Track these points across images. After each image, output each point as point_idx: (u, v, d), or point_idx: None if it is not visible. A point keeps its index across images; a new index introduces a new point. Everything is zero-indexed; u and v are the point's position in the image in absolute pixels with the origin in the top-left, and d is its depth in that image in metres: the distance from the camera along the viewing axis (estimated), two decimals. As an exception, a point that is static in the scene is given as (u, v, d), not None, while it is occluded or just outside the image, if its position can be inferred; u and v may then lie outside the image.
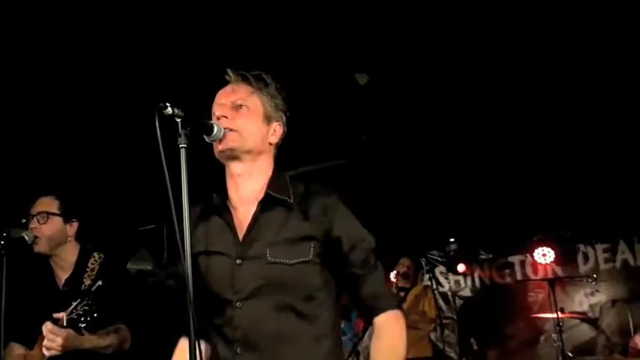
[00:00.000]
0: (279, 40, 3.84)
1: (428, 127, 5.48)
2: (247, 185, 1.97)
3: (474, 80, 4.77)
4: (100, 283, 2.72)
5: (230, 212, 1.97)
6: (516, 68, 4.63)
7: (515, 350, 7.15)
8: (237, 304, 1.88)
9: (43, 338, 2.86)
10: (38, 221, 3.05)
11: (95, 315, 2.65)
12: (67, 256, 3.12)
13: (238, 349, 1.87)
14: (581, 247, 7.20)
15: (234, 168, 1.97)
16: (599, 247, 7.12)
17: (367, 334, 6.95)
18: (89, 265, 3.09)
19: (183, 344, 2.08)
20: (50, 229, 3.06)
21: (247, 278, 1.88)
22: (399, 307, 1.98)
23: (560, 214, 6.70)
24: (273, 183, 1.97)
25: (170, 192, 1.63)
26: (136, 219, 5.90)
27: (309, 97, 4.24)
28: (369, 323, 1.95)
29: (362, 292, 1.93)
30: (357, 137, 5.32)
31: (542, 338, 6.91)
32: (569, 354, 5.65)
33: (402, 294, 6.25)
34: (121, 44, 3.79)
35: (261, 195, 1.94)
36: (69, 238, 3.13)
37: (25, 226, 3.08)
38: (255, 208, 1.93)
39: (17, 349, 3.10)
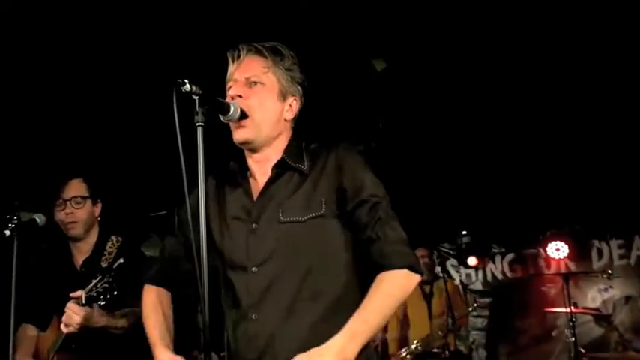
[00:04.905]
0: (296, 25, 3.79)
1: (444, 117, 5.43)
2: (265, 166, 1.95)
3: (490, 70, 4.73)
4: (121, 260, 2.69)
5: (247, 179, 1.97)
6: (534, 59, 4.57)
7: (527, 345, 7.09)
8: (253, 269, 1.85)
9: (58, 320, 2.86)
10: (73, 206, 3.07)
11: (115, 293, 2.63)
12: (89, 239, 3.14)
13: (253, 315, 1.84)
14: (595, 242, 7.12)
15: (253, 157, 1.97)
16: (614, 242, 7.04)
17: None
18: (107, 248, 3.10)
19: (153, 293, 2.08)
20: (85, 212, 3.09)
21: (261, 242, 1.85)
22: (412, 267, 1.83)
23: (574, 208, 6.63)
24: (289, 151, 1.94)
25: (184, 167, 1.60)
26: (147, 205, 5.88)
27: (326, 83, 4.20)
28: None
29: (371, 260, 1.84)
30: (374, 124, 5.28)
31: (554, 333, 6.84)
32: (582, 350, 5.58)
33: (428, 288, 6.05)
34: (132, 27, 3.77)
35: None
36: (97, 220, 3.16)
37: (45, 210, 3.06)
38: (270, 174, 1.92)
39: (30, 331, 3.12)
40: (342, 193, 1.86)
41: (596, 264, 7.06)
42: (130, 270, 2.75)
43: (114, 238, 3.16)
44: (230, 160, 2.02)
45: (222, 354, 4.30)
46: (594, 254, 7.12)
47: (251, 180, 1.98)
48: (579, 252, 7.07)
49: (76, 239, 3.13)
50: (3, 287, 2.85)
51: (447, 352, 5.30)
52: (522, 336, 7.13)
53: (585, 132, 5.56)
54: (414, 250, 5.26)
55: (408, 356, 5.56)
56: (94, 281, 2.65)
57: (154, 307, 2.05)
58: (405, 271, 1.82)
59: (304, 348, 1.75)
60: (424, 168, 6.26)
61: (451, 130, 5.68)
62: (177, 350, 2.11)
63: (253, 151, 1.94)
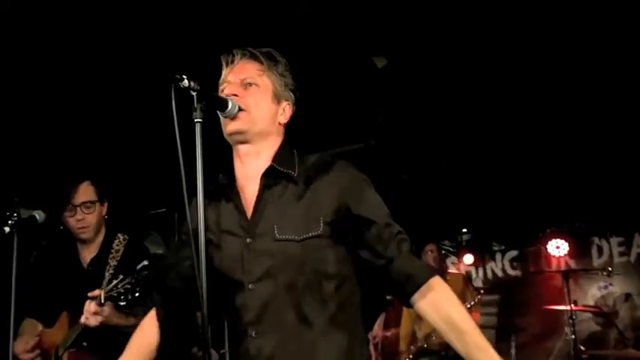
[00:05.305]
0: (296, 21, 3.79)
1: (444, 114, 5.42)
2: (254, 164, 1.92)
3: (490, 68, 4.71)
4: (145, 262, 2.67)
5: (237, 192, 1.93)
6: (534, 55, 4.56)
7: (526, 343, 7.09)
8: (250, 285, 1.83)
9: (66, 317, 2.96)
10: (84, 211, 3.08)
11: (137, 295, 2.62)
12: (97, 238, 3.16)
13: (253, 333, 1.82)
14: (596, 240, 7.12)
15: (242, 149, 1.93)
16: (614, 240, 7.05)
17: (377, 323, 6.93)
18: (114, 246, 3.11)
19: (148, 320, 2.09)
20: (95, 216, 3.11)
21: (257, 258, 1.83)
22: (435, 272, 1.86)
23: (574, 206, 6.63)
24: (279, 157, 1.92)
25: (182, 167, 1.60)
26: (146, 202, 5.88)
27: (326, 80, 4.20)
28: (408, 306, 1.85)
29: (391, 279, 1.84)
30: (374, 120, 5.27)
31: (554, 331, 6.84)
32: (582, 347, 5.59)
33: None
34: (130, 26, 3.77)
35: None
36: (105, 219, 3.18)
37: (45, 207, 3.06)
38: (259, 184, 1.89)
39: (34, 326, 3.14)
40: (346, 212, 1.85)
41: (597, 261, 7.06)
42: (150, 271, 2.74)
43: (120, 236, 3.17)
44: (226, 159, 2.00)
45: (221, 351, 4.29)
46: (594, 252, 7.12)
47: (240, 190, 1.94)
48: (579, 249, 7.07)
49: (80, 239, 3.15)
50: (3, 284, 2.86)
51: (450, 350, 5.25)
52: (522, 333, 7.13)
53: (585, 129, 5.54)
54: (425, 246, 5.10)
55: (410, 355, 5.58)
56: (115, 281, 2.64)
57: (134, 342, 2.09)
58: (437, 277, 1.84)
59: None
60: (424, 165, 6.26)
61: (451, 127, 5.67)
62: (176, 347, 2.11)
63: (243, 143, 1.92)
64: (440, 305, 1.80)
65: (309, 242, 1.81)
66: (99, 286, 2.69)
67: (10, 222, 2.84)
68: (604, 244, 7.10)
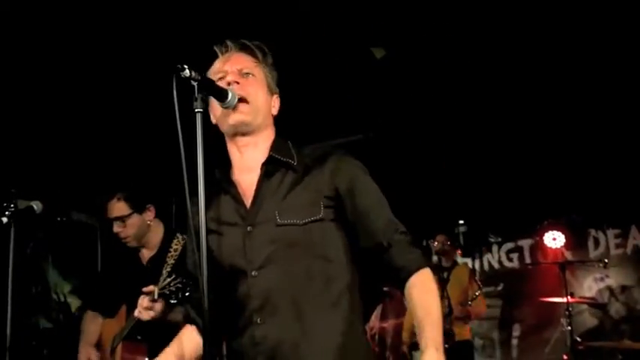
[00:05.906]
0: (296, 13, 3.77)
1: (441, 108, 5.42)
2: (252, 155, 1.94)
3: (488, 60, 4.71)
4: None
5: (234, 184, 1.95)
6: (531, 51, 4.56)
7: (523, 334, 7.12)
8: (253, 273, 1.84)
9: (125, 309, 3.18)
10: (118, 225, 3.25)
11: (187, 294, 2.62)
12: (152, 238, 3.30)
13: (258, 320, 1.83)
14: (592, 231, 7.14)
15: (241, 140, 1.95)
16: (611, 232, 7.06)
17: (374, 314, 6.96)
18: (172, 245, 3.22)
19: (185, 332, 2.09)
20: (132, 228, 3.25)
21: (259, 245, 1.84)
22: (425, 264, 1.88)
23: (571, 198, 6.64)
24: (276, 147, 1.95)
25: (183, 158, 1.60)
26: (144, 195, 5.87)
27: (325, 72, 4.19)
28: (402, 292, 1.88)
29: (386, 266, 1.87)
30: (372, 113, 5.27)
31: (551, 322, 6.87)
32: (578, 339, 5.62)
33: (445, 274, 5.93)
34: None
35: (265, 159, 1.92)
36: (149, 224, 3.29)
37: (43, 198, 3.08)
38: (259, 173, 1.91)
39: (95, 317, 3.42)
40: (343, 198, 1.87)
41: (593, 253, 7.08)
42: None
43: (179, 235, 3.26)
44: (223, 150, 2.01)
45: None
46: (591, 243, 7.14)
47: (237, 182, 1.96)
48: (576, 241, 7.09)
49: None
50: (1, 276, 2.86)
51: (447, 342, 5.22)
52: (519, 325, 7.17)
53: (582, 122, 5.55)
54: (436, 237, 5.14)
55: (404, 347, 5.62)
56: (168, 280, 2.70)
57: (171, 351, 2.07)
58: (427, 268, 1.87)
59: (312, 348, 1.78)
60: (421, 157, 6.26)
61: (449, 121, 5.67)
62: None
63: (245, 134, 1.93)
64: (414, 289, 1.83)
65: (311, 226, 1.83)
66: (156, 283, 2.75)
67: (7, 212, 2.84)
68: (600, 235, 7.12)
